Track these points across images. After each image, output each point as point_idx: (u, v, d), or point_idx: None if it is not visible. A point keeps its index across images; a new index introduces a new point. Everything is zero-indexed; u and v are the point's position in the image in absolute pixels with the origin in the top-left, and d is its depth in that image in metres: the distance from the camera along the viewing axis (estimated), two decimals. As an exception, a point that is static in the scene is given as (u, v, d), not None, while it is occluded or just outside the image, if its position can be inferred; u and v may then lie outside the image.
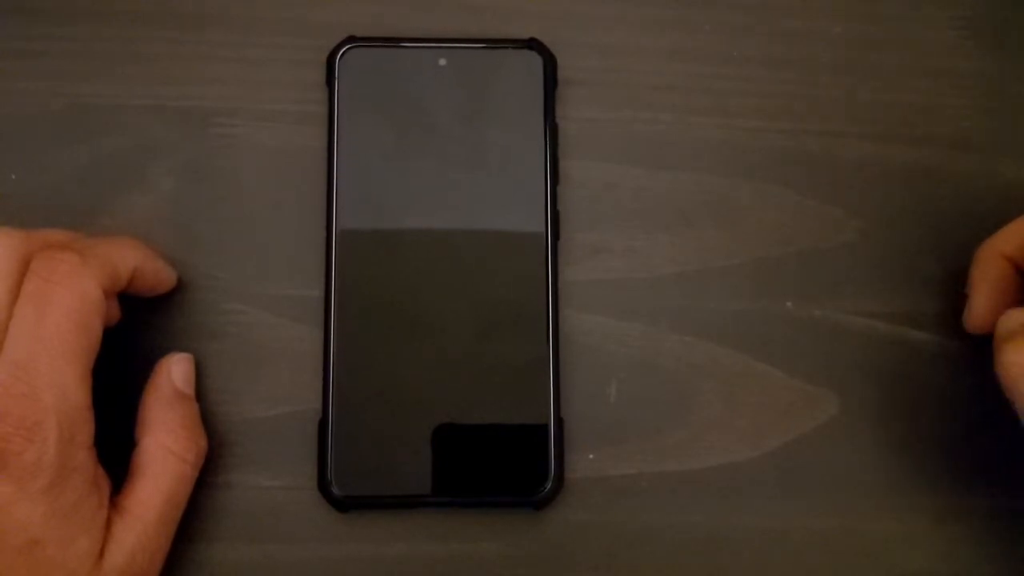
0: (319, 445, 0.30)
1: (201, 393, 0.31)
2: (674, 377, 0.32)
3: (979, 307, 0.30)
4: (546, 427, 0.30)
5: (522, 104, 0.32)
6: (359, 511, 0.30)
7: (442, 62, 0.32)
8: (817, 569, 0.31)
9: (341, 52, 0.32)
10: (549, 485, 0.30)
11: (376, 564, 0.30)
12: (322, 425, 0.30)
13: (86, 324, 0.26)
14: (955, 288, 0.32)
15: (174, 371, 0.30)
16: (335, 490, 0.30)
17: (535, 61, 0.32)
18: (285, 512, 0.31)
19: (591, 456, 0.31)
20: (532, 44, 0.33)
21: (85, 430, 0.26)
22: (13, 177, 0.32)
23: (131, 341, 0.31)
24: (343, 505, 0.30)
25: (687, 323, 0.32)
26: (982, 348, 0.32)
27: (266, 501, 0.31)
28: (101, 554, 0.26)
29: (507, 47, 0.32)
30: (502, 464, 0.30)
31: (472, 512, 0.31)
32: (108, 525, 0.27)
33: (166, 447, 0.28)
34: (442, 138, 0.32)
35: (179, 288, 0.31)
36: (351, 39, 0.32)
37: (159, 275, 0.30)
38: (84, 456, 0.26)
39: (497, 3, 0.34)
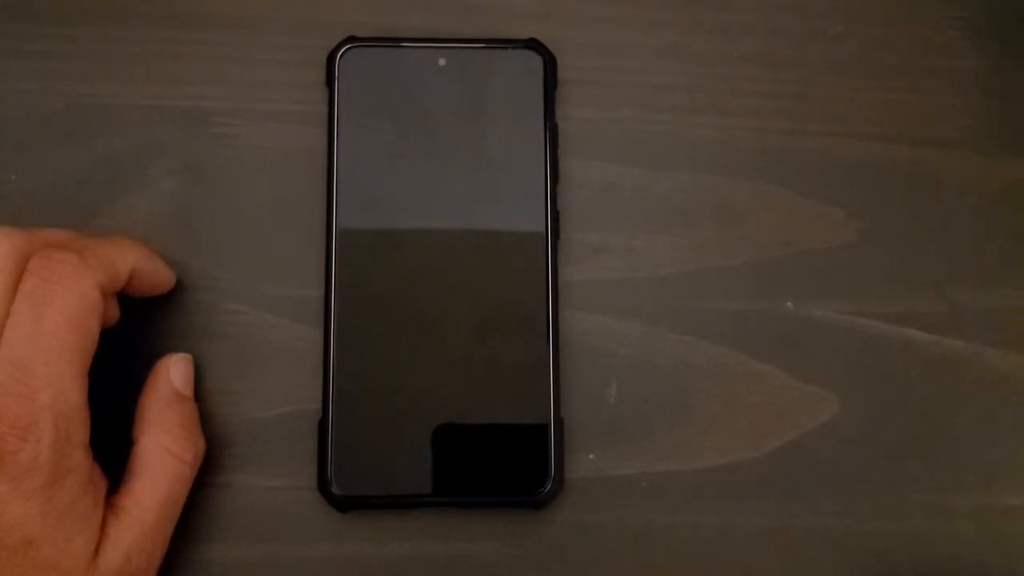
0: (319, 445, 0.30)
1: (201, 394, 0.31)
2: (674, 377, 0.32)
3: None
4: (546, 427, 0.30)
5: (522, 104, 0.32)
6: (359, 511, 0.30)
7: (442, 62, 0.32)
8: (817, 569, 0.31)
9: (341, 52, 0.32)
10: (549, 485, 0.30)
11: (376, 564, 0.30)
12: (322, 425, 0.30)
13: (84, 324, 0.26)
14: (955, 288, 0.32)
15: (173, 372, 0.30)
16: (335, 490, 0.30)
17: (535, 61, 0.32)
18: (285, 512, 0.30)
19: (591, 456, 0.31)
20: (532, 44, 0.33)
21: (81, 430, 0.26)
22: (13, 177, 0.32)
23: (130, 341, 0.31)
24: (343, 505, 0.30)
25: (687, 323, 0.32)
26: (982, 348, 0.32)
27: (266, 501, 0.31)
28: (97, 554, 0.26)
29: (507, 47, 0.32)
30: (502, 464, 0.30)
31: (472, 512, 0.31)
32: (104, 525, 0.26)
33: (164, 447, 0.28)
34: (442, 138, 0.32)
35: (179, 288, 0.31)
36: (351, 39, 0.32)
37: (158, 275, 0.30)
38: (80, 456, 0.26)
39: (497, 3, 0.34)
